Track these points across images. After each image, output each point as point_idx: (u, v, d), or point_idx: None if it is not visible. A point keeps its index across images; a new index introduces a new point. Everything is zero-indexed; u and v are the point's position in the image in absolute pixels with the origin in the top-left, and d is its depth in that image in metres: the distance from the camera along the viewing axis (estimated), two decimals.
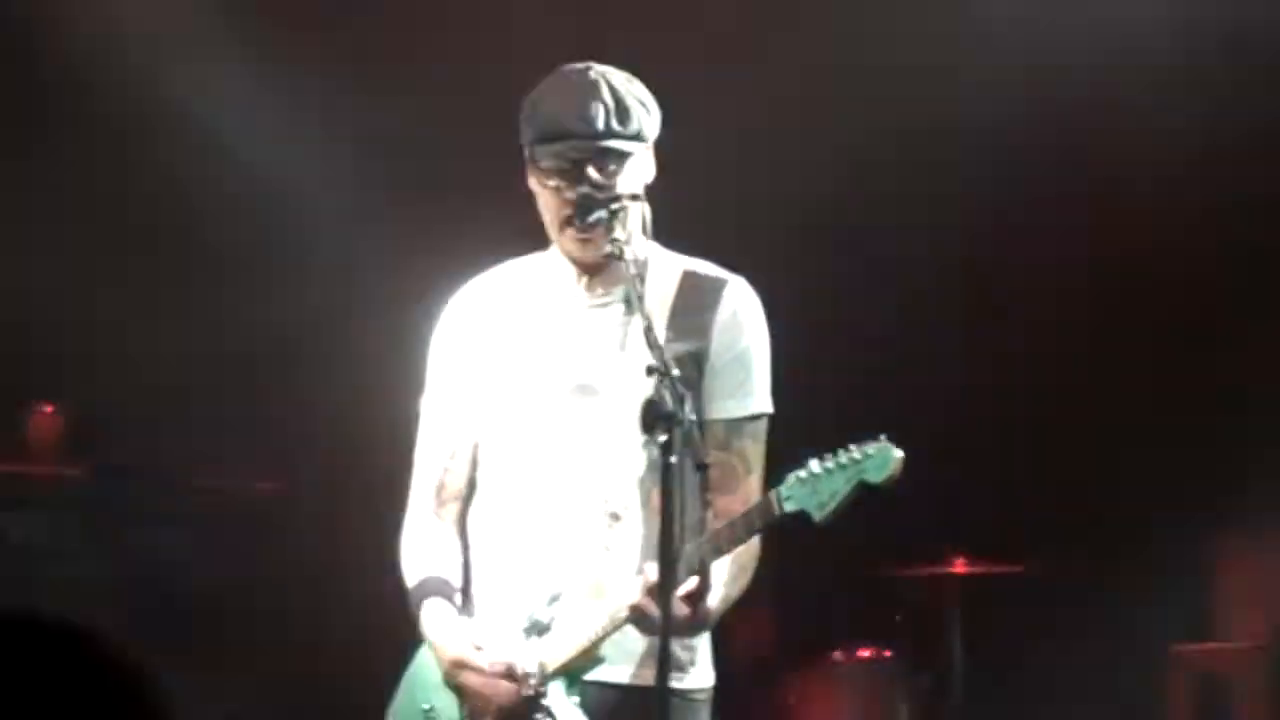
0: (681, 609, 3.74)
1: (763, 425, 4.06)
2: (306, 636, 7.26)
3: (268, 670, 7.21)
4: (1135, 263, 7.58)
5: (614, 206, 3.87)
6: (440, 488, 4.14)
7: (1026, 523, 7.68)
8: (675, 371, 3.64)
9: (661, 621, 3.60)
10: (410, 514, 4.12)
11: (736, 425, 4.05)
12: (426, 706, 4.11)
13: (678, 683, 3.90)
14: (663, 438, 3.59)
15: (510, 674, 3.93)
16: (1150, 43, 7.16)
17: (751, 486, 4.03)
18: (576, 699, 3.94)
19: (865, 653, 7.46)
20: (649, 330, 3.72)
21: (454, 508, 4.15)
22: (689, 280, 4.08)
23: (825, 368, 7.14)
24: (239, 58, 7.24)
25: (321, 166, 7.29)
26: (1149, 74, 7.12)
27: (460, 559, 4.12)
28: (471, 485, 4.19)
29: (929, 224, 7.49)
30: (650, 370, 3.63)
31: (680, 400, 3.60)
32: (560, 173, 3.85)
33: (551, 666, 3.91)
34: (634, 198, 3.92)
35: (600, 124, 3.85)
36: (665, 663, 3.61)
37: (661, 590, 3.62)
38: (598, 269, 4.00)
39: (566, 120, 3.86)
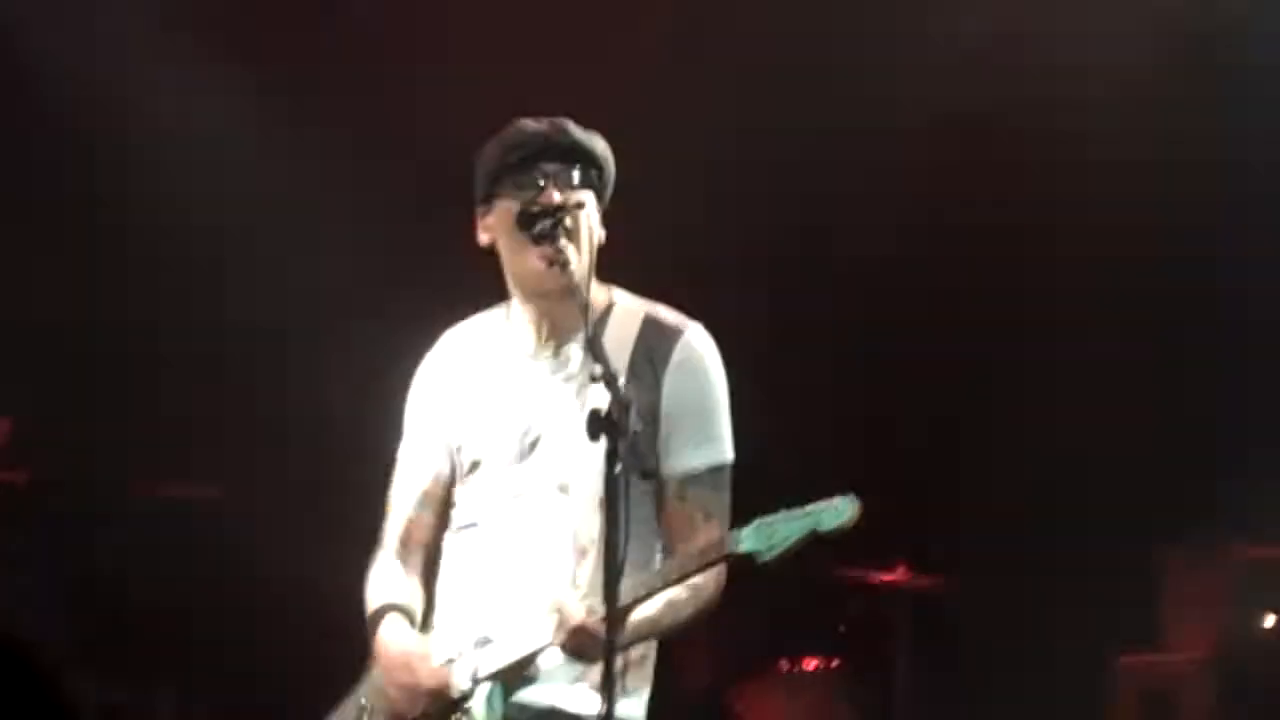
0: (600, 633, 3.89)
1: (724, 475, 4.17)
2: (242, 642, 7.31)
3: (205, 675, 7.32)
4: (1083, 276, 7.70)
5: (561, 215, 3.96)
6: (408, 535, 4.25)
7: (974, 534, 7.75)
8: (621, 380, 3.73)
9: (607, 641, 3.69)
10: (379, 555, 4.26)
11: (694, 477, 4.12)
12: (364, 702, 4.21)
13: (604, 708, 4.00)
14: (607, 446, 3.64)
15: (444, 680, 4.04)
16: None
17: (712, 533, 4.09)
18: (499, 712, 4.08)
19: (812, 662, 7.54)
20: (593, 340, 3.80)
21: (420, 554, 4.27)
22: (649, 327, 4.17)
23: (785, 402, 7.28)
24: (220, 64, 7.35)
25: (270, 179, 7.34)
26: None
27: (422, 596, 4.23)
28: (440, 530, 4.31)
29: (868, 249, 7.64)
30: (595, 379, 3.70)
31: (625, 409, 3.64)
32: (525, 183, 4.01)
33: (483, 673, 4.00)
34: (580, 205, 4.02)
35: (568, 141, 4.04)
36: (610, 685, 3.69)
37: (608, 608, 3.71)
38: (558, 315, 4.11)
39: (538, 134, 4.04)
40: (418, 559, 4.31)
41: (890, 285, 7.93)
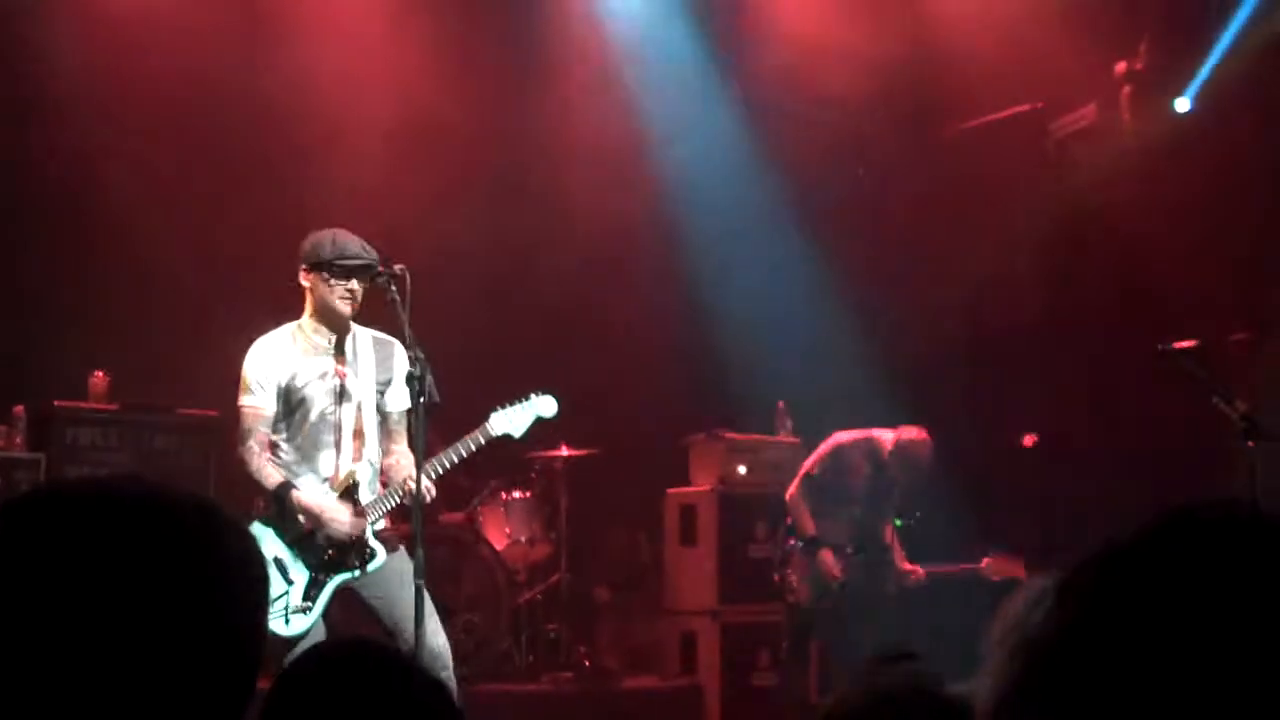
0: (432, 491, 5.48)
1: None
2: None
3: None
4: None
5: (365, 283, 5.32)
6: (262, 444, 5.70)
7: (602, 423, 9.47)
8: (420, 355, 5.24)
9: (416, 495, 5.25)
10: (251, 453, 5.67)
11: (403, 414, 5.74)
12: (272, 558, 5.46)
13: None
14: (413, 389, 5.29)
15: (359, 514, 5.56)
16: None
17: (406, 441, 5.65)
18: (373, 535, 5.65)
19: (517, 493, 9.68)
20: (411, 344, 5.19)
21: (268, 453, 5.72)
22: (377, 342, 5.80)
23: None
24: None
25: None
26: None
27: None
28: (274, 445, 5.66)
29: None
30: (412, 360, 5.33)
31: (424, 372, 5.22)
32: (351, 276, 5.51)
33: (368, 520, 5.62)
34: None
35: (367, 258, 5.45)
36: (419, 517, 5.25)
37: (418, 475, 5.26)
38: (344, 331, 5.59)
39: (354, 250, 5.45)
40: (267, 453, 5.63)
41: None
